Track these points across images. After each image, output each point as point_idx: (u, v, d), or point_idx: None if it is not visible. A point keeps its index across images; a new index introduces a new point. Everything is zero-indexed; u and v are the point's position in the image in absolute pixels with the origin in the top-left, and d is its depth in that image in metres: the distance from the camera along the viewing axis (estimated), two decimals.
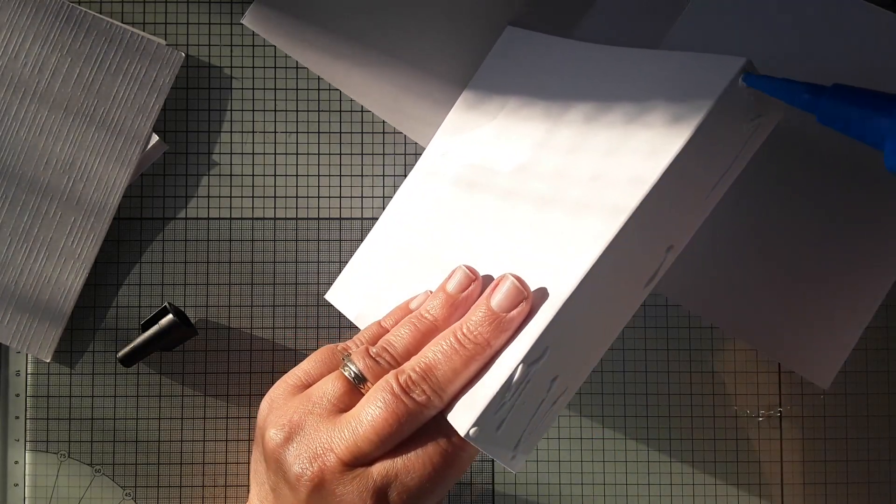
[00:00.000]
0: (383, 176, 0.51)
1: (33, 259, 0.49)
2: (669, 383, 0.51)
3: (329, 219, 0.51)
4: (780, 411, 0.50)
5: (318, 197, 0.51)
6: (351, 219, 0.51)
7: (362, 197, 0.51)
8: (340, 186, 0.51)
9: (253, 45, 0.51)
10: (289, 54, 0.50)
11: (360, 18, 0.50)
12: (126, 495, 0.50)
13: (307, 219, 0.51)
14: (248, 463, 0.50)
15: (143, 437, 0.50)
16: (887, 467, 0.51)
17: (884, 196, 0.48)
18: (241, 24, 0.51)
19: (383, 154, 0.51)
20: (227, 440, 0.50)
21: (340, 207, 0.51)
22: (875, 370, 0.51)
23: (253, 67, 0.51)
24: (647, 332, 0.51)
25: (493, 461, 0.50)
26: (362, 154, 0.51)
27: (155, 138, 0.49)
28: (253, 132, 0.51)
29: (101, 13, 0.50)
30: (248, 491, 0.46)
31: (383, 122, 0.51)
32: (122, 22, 0.50)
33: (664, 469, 0.50)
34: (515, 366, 0.35)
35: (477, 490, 0.50)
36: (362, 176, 0.51)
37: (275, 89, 0.51)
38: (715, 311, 0.50)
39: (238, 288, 0.50)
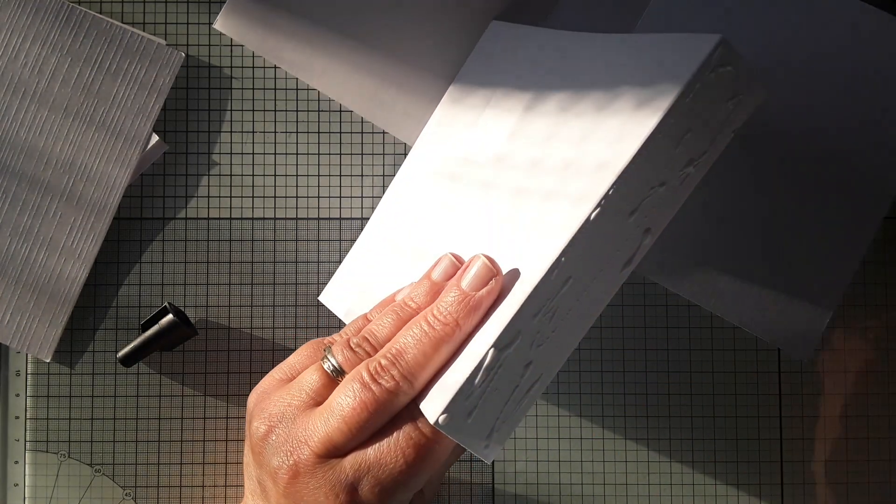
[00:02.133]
0: (383, 176, 0.51)
1: (33, 259, 0.49)
2: (669, 383, 0.51)
3: (329, 219, 0.51)
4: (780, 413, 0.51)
5: (318, 197, 0.51)
6: (351, 219, 0.51)
7: (362, 197, 0.51)
8: (340, 186, 0.51)
9: None
10: (265, 57, 0.50)
11: (342, 17, 0.50)
12: (126, 495, 0.50)
13: (307, 219, 0.51)
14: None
15: (143, 437, 0.50)
16: (887, 467, 0.51)
17: (853, 177, 0.49)
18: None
19: (383, 154, 0.51)
20: (227, 440, 0.50)
21: (340, 207, 0.51)
22: (875, 370, 0.51)
23: (253, 67, 0.51)
24: (647, 331, 0.51)
25: (492, 461, 0.50)
26: (362, 154, 0.51)
27: (155, 138, 0.49)
28: (253, 132, 0.51)
29: (100, 13, 0.50)
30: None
31: None
32: (122, 22, 0.50)
33: (664, 469, 0.50)
34: (486, 350, 0.34)
35: (477, 490, 0.50)
36: (362, 176, 0.51)
37: (275, 89, 0.51)
38: (694, 288, 0.50)
39: (238, 288, 0.50)
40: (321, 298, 0.50)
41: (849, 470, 0.51)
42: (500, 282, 0.36)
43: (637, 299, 0.51)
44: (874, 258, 0.51)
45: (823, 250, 0.49)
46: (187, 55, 0.51)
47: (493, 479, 0.50)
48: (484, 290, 0.36)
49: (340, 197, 0.51)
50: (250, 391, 0.41)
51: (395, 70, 0.50)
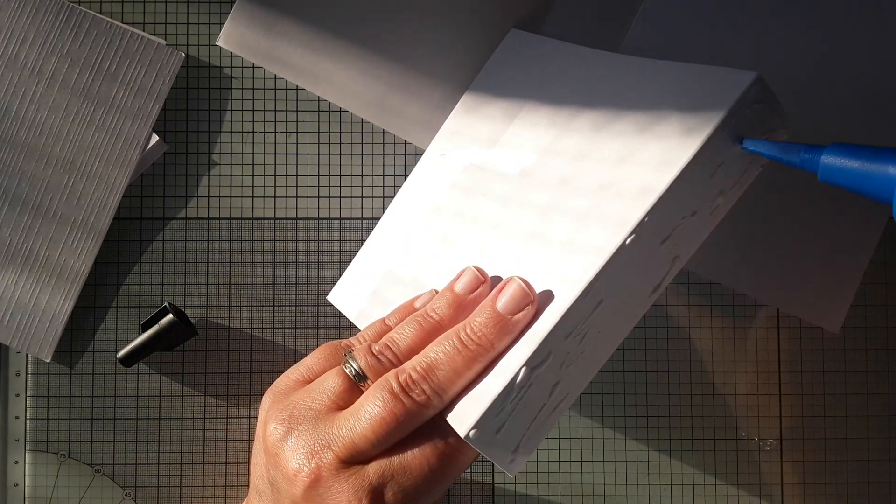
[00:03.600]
0: (383, 176, 0.51)
1: (33, 259, 0.49)
2: (669, 383, 0.51)
3: (329, 219, 0.51)
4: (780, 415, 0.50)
5: (318, 197, 0.51)
6: (351, 219, 0.51)
7: (362, 197, 0.51)
8: (340, 186, 0.51)
9: None
10: (269, 69, 0.50)
11: (346, 25, 0.50)
12: (126, 495, 0.50)
13: (307, 219, 0.51)
14: (249, 459, 0.50)
15: (143, 437, 0.50)
16: (887, 467, 0.51)
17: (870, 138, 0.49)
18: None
19: (383, 154, 0.51)
20: (227, 440, 0.50)
21: (340, 207, 0.51)
22: (875, 370, 0.51)
23: (253, 67, 0.51)
24: (646, 332, 0.51)
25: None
26: (362, 154, 0.51)
27: (155, 138, 0.49)
28: (253, 132, 0.51)
29: (100, 13, 0.50)
30: (248, 488, 0.46)
31: None
32: (122, 22, 0.50)
33: (664, 469, 0.50)
34: (518, 369, 0.35)
35: (477, 490, 0.50)
36: (362, 176, 0.51)
37: (275, 89, 0.51)
38: (716, 267, 0.50)
39: (238, 288, 0.50)
40: (330, 298, 0.49)
41: (849, 470, 0.51)
42: (534, 307, 0.36)
43: None
44: (874, 258, 0.51)
45: (843, 221, 0.50)
46: (187, 55, 0.51)
47: (493, 478, 0.50)
48: (520, 314, 0.36)
49: (340, 197, 0.51)
50: (250, 391, 0.41)
51: (402, 76, 0.50)
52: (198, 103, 0.51)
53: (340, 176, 0.51)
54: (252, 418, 0.50)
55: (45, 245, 0.49)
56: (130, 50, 0.49)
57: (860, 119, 0.50)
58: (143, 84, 0.49)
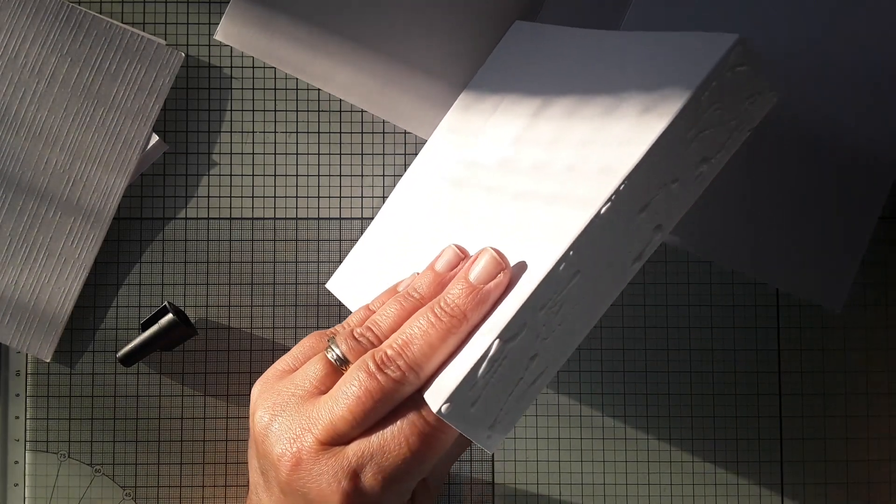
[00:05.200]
0: (383, 176, 0.51)
1: (33, 259, 0.49)
2: (669, 383, 0.51)
3: (329, 219, 0.51)
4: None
5: (318, 197, 0.51)
6: (351, 219, 0.51)
7: (362, 197, 0.51)
8: (340, 186, 0.51)
9: None
10: (267, 62, 0.50)
11: (344, 18, 0.50)
12: (126, 495, 0.50)
13: (307, 219, 0.51)
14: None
15: (143, 437, 0.50)
16: (887, 467, 0.51)
17: (872, 121, 0.50)
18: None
19: (383, 154, 0.51)
20: (227, 440, 0.50)
21: (340, 207, 0.51)
22: (875, 370, 0.51)
23: (253, 67, 0.51)
24: (647, 332, 0.51)
25: (492, 460, 0.50)
26: (362, 154, 0.51)
27: (155, 138, 0.49)
28: (253, 132, 0.51)
29: (100, 13, 0.50)
30: (249, 488, 0.46)
31: (383, 122, 0.51)
32: (122, 22, 0.50)
33: (664, 469, 0.50)
34: (491, 341, 0.35)
35: (477, 490, 0.50)
36: (362, 176, 0.51)
37: (275, 89, 0.51)
38: (715, 247, 0.50)
39: (238, 288, 0.50)
40: (328, 286, 0.50)
41: (849, 470, 0.51)
42: (508, 275, 0.36)
43: (637, 299, 0.51)
44: (874, 258, 0.51)
45: (845, 199, 0.50)
46: (187, 55, 0.51)
47: (493, 478, 0.50)
48: (492, 283, 0.36)
49: (340, 197, 0.51)
50: (250, 391, 0.41)
51: (400, 70, 0.50)
52: (198, 103, 0.51)
53: (340, 176, 0.51)
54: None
55: (45, 245, 0.49)
56: (130, 50, 0.49)
57: (856, 97, 0.50)
58: (143, 84, 0.49)
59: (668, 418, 0.50)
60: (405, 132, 0.51)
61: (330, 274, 0.50)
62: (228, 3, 0.50)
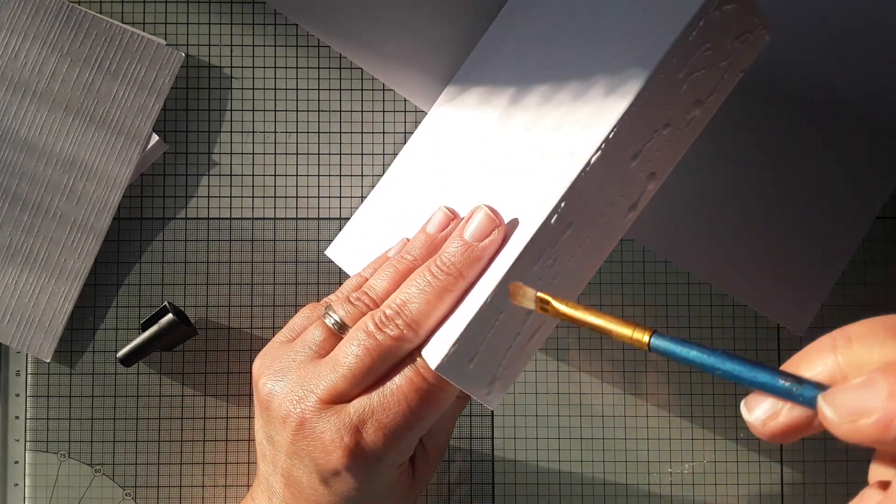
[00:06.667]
0: (383, 176, 0.51)
1: (33, 259, 0.49)
2: (669, 383, 0.51)
3: (329, 219, 0.51)
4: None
5: (318, 197, 0.51)
6: (350, 219, 0.51)
7: (362, 197, 0.51)
8: (340, 186, 0.51)
9: (253, 45, 0.51)
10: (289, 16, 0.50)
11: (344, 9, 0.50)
12: (126, 495, 0.50)
13: (307, 219, 0.51)
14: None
15: (143, 437, 0.50)
16: None
17: (859, 147, 0.49)
18: (241, 23, 0.51)
19: (383, 154, 0.51)
20: (227, 440, 0.50)
21: (340, 207, 0.51)
22: None
23: (253, 67, 0.51)
24: None
25: (492, 459, 0.50)
26: (362, 154, 0.51)
27: (155, 138, 0.49)
28: (253, 132, 0.51)
29: (100, 13, 0.50)
30: (249, 487, 0.46)
31: (383, 122, 0.51)
32: (122, 22, 0.50)
33: (664, 469, 0.50)
34: (487, 297, 0.35)
35: (477, 490, 0.50)
36: (362, 176, 0.51)
37: (275, 89, 0.51)
38: (689, 258, 0.50)
39: (238, 288, 0.50)
40: (328, 252, 0.50)
41: (849, 470, 0.51)
42: (502, 231, 0.37)
43: (637, 299, 0.51)
44: (874, 258, 0.51)
45: (824, 223, 0.49)
46: (187, 55, 0.51)
47: (493, 478, 0.50)
48: (487, 240, 0.37)
49: (340, 197, 0.51)
50: (250, 391, 0.42)
51: (404, 44, 0.50)
52: (198, 103, 0.51)
53: (340, 176, 0.51)
54: (252, 418, 0.50)
55: (45, 245, 0.49)
56: (130, 50, 0.49)
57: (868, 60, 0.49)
58: (143, 84, 0.49)
59: (667, 418, 0.50)
60: (405, 132, 0.51)
61: (330, 274, 0.50)
62: (229, 3, 0.50)
